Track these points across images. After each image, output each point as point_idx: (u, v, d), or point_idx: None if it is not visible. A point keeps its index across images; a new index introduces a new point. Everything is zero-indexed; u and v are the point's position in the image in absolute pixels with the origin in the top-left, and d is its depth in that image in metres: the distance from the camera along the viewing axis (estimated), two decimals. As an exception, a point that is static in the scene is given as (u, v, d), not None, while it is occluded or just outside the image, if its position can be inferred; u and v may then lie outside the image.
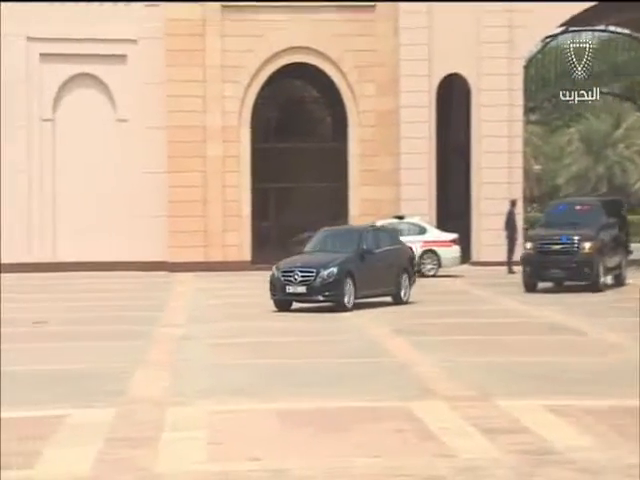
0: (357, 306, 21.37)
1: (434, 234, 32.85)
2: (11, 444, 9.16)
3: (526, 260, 26.01)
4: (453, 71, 36.44)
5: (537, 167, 67.58)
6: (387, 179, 36.41)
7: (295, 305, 21.69)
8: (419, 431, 9.45)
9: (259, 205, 37.20)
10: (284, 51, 36.74)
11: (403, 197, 36.00)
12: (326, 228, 24.30)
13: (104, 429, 9.80)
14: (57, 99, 36.48)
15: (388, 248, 22.78)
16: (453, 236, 32.73)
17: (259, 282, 24.50)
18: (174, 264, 34.91)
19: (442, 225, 34.49)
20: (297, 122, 38.52)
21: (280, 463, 8.27)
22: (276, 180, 37.04)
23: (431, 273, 31.79)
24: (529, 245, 26.34)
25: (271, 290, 21.37)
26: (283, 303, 21.33)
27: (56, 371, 13.90)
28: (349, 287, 21.08)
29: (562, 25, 38.62)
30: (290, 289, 21.02)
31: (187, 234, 35.54)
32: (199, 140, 36.09)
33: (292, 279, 20.94)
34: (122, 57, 36.43)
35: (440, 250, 32.12)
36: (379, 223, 32.82)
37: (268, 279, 21.77)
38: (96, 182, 35.96)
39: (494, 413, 10.33)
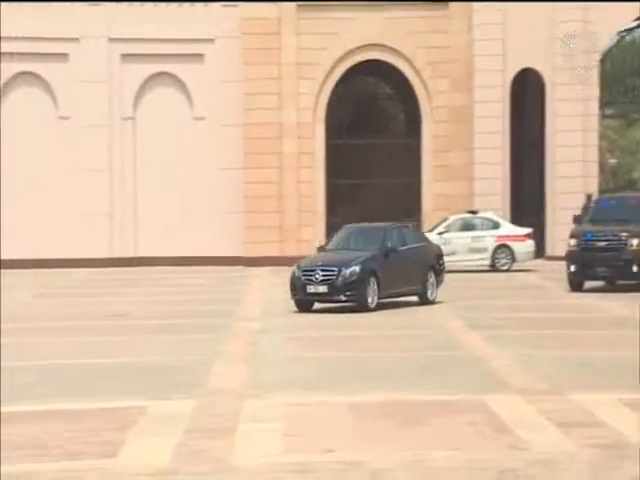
0: (383, 306, 20.30)
1: (508, 229, 32.53)
2: (94, 434, 9.29)
3: (570, 258, 24.16)
4: (527, 66, 36.05)
5: (612, 161, 66.50)
6: (460, 174, 36.16)
7: (317, 305, 20.59)
8: (494, 424, 9.36)
9: (333, 201, 37.19)
10: (358, 48, 36.68)
11: (476, 192, 35.73)
12: (349, 225, 23.18)
13: (183, 420, 9.86)
14: (137, 98, 36.90)
15: (413, 246, 21.78)
16: (527, 230, 32.38)
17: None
18: (250, 259, 35.08)
19: (516, 220, 34.16)
20: (371, 119, 38.41)
21: (355, 455, 8.24)
22: (350, 176, 37.00)
23: (505, 268, 31.49)
24: (573, 242, 24.44)
25: (292, 290, 20.23)
26: (304, 303, 20.24)
27: (137, 363, 14.04)
28: (372, 286, 20.03)
29: (637, 19, 37.94)
30: (311, 289, 19.94)
31: (263, 229, 35.67)
32: (275, 137, 36.20)
33: (313, 278, 19.92)
34: (199, 56, 36.68)
35: (514, 245, 31.79)
36: (452, 218, 32.74)
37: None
38: (174, 179, 36.27)
39: (569, 407, 10.20)
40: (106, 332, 17.77)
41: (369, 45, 36.63)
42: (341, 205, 37.37)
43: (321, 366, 13.47)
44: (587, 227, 24.90)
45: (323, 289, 19.86)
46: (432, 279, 21.57)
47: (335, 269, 19.90)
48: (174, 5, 36.39)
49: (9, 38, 35.20)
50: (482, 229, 32.06)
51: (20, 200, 35.64)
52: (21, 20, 35.03)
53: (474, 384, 11.70)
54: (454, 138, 36.30)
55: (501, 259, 31.75)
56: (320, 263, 20.42)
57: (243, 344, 16.24)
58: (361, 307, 19.84)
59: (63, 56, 36.20)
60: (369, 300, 19.95)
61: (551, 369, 12.72)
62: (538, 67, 36.07)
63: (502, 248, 31.79)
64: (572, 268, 24.05)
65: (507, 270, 31.30)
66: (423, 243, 22.61)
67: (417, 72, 36.65)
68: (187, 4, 36.41)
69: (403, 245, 21.43)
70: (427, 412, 10.10)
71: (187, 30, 35.94)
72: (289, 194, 36.37)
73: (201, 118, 36.68)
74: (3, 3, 34.55)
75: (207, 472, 7.85)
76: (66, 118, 36.19)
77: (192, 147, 36.36)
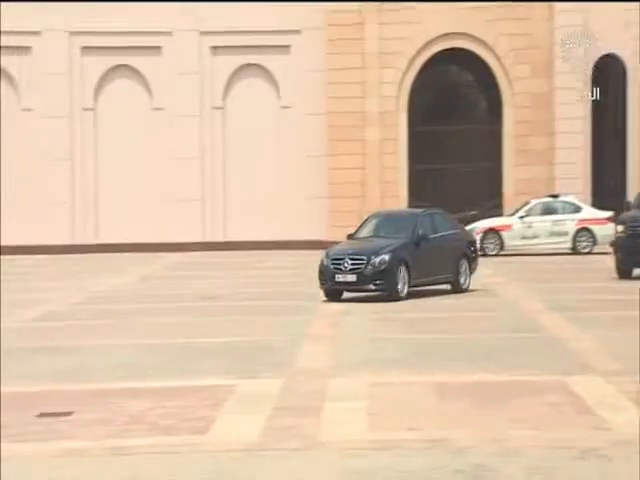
0: (415, 294, 19.22)
1: (589, 212, 32.04)
2: (187, 411, 9.40)
3: (617, 245, 22.94)
4: (608, 52, 35.36)
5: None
6: (541, 159, 35.70)
7: (345, 295, 19.58)
8: (576, 405, 9.23)
9: (416, 186, 37.01)
10: (440, 37, 36.41)
11: (557, 176, 35.27)
12: (380, 212, 22.29)
13: (271, 399, 9.91)
14: (227, 88, 37.15)
15: (445, 233, 20.51)
16: (608, 214, 31.78)
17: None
18: (334, 243, 35.02)
19: (597, 203, 33.61)
20: (453, 105, 38.11)
21: (438, 433, 8.20)
22: (432, 161, 36.80)
23: (586, 250, 31.05)
24: (620, 228, 23.27)
25: (320, 279, 19.16)
26: (333, 292, 19.20)
27: (227, 343, 14.17)
28: (403, 275, 18.88)
29: None
30: (340, 277, 18.82)
31: (346, 214, 35.53)
32: (358, 124, 36.14)
33: (342, 267, 18.79)
34: (286, 47, 36.78)
35: (595, 228, 31.30)
36: (534, 202, 32.33)
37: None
38: (261, 166, 36.49)
39: (651, 388, 9.99)
40: (199, 313, 17.95)
41: (451, 34, 36.33)
42: (423, 190, 37.15)
43: (404, 347, 13.42)
44: (636, 213, 23.51)
45: (352, 278, 18.76)
46: (465, 267, 20.40)
47: (364, 257, 18.82)
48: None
49: (107, 33, 35.77)
50: (563, 213, 31.61)
51: (118, 187, 36.29)
52: (114, 16, 35.53)
53: (555, 365, 11.54)
54: (535, 123, 35.84)
55: (582, 242, 31.30)
56: (350, 251, 19.30)
57: (328, 325, 16.27)
58: (391, 296, 18.73)
59: (156, 49, 36.61)
60: (399, 289, 18.85)
61: (632, 350, 12.47)
62: (619, 53, 35.36)
63: (583, 231, 31.35)
64: (619, 255, 22.86)
65: (588, 253, 30.84)
66: (456, 230, 21.28)
67: (498, 59, 36.24)
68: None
69: (435, 232, 20.22)
70: (509, 392, 10.00)
71: (274, 22, 36.06)
72: (372, 180, 36.29)
73: (287, 107, 36.81)
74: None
75: (295, 448, 7.88)
76: (160, 109, 36.62)
77: (278, 135, 36.53)
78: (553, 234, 31.47)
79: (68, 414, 9.36)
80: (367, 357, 12.63)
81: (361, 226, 21.02)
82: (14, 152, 35.84)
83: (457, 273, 20.21)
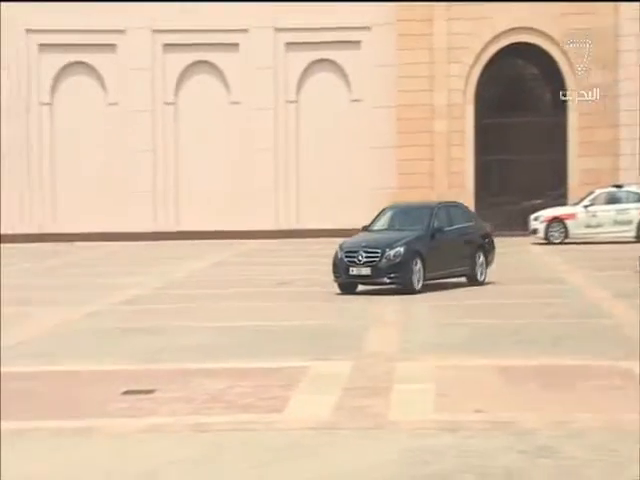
0: (430, 287, 18.32)
1: (653, 201, 31.49)
2: (263, 390, 9.47)
3: None
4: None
5: None
6: (606, 150, 35.17)
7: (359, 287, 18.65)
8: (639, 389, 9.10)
9: (482, 176, 36.73)
10: (506, 32, 36.03)
11: (622, 167, 34.70)
12: (394, 205, 21.17)
13: (342, 380, 9.94)
14: (300, 83, 37.23)
15: (461, 225, 19.48)
16: (672, 203, 31.24)
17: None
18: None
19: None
20: (519, 98, 37.68)
21: (504, 415, 8.15)
22: (498, 153, 36.45)
23: (649, 239, 30.56)
24: None
25: (334, 272, 18.25)
26: (347, 286, 18.20)
27: (300, 327, 14.23)
28: (417, 268, 17.83)
29: None
30: (354, 271, 17.84)
31: (415, 204, 35.59)
32: (426, 117, 35.97)
33: (356, 260, 17.80)
34: (357, 43, 36.73)
35: (659, 217, 30.77)
36: (598, 192, 31.85)
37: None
38: (333, 157, 36.52)
39: None
40: (272, 298, 18.06)
41: (517, 28, 35.94)
42: (490, 180, 36.87)
43: (469, 331, 13.35)
44: None
45: (366, 271, 17.75)
46: (481, 259, 19.32)
47: (379, 250, 17.79)
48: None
49: (188, 30, 36.10)
50: (627, 202, 31.07)
51: (198, 177, 36.63)
52: (194, 14, 35.85)
53: (620, 350, 11.37)
54: (600, 115, 35.28)
55: (646, 231, 30.80)
56: (364, 244, 18.21)
57: (396, 311, 16.24)
58: (406, 289, 17.75)
59: (234, 46, 36.83)
60: (414, 282, 17.80)
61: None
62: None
63: (647, 220, 30.83)
64: None
65: (652, 241, 30.33)
66: (471, 222, 20.09)
67: (564, 53, 35.72)
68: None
69: (450, 225, 19.19)
70: (573, 376, 9.90)
71: (346, 19, 36.03)
72: (439, 170, 36.11)
73: (357, 100, 36.79)
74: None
75: (366, 427, 7.90)
76: (237, 103, 36.86)
77: (349, 127, 36.52)
78: (617, 223, 31.00)
79: (151, 392, 9.50)
80: (434, 341, 12.59)
81: (376, 218, 19.90)
82: (100, 144, 36.39)
83: (473, 266, 19.15)
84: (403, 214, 19.87)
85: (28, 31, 36.12)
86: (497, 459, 6.82)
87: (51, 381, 10.27)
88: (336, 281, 18.24)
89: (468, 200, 35.78)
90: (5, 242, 33.40)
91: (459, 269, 19.13)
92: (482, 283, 19.15)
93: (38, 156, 36.58)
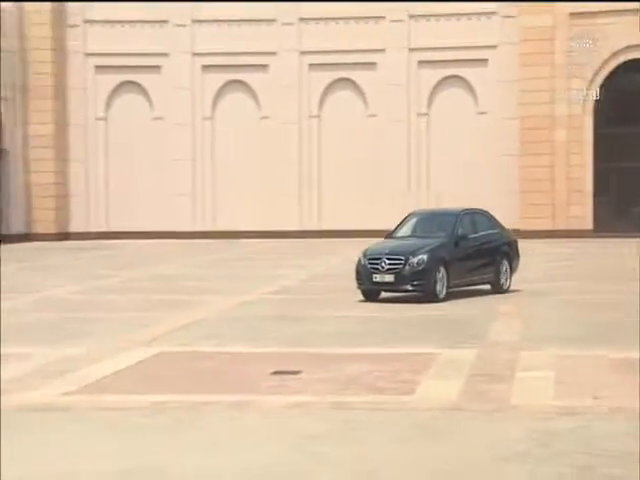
0: (451, 295, 16.29)
1: None
2: (396, 374, 9.45)
3: None
4: None
5: None
6: None
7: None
8: None
9: (600, 182, 35.70)
10: (624, 49, 34.92)
11: None
12: (418, 211, 19.24)
13: (468, 366, 9.84)
14: (431, 97, 37.01)
15: (486, 233, 17.44)
16: None
17: (604, 249, 23.33)
18: (526, 232, 34.39)
19: None
20: (636, 110, 36.40)
21: (620, 402, 7.91)
22: (615, 160, 35.35)
23: None
24: None
25: (357, 279, 16.28)
26: (371, 293, 16.24)
27: (430, 317, 14.15)
28: (441, 275, 15.92)
29: None
30: (377, 278, 15.91)
31: (536, 207, 35.04)
32: (547, 127, 35.26)
33: (379, 267, 15.88)
34: (484, 61, 36.27)
35: None
36: None
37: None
38: (461, 164, 36.17)
39: None
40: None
41: (634, 45, 34.76)
42: (607, 186, 35.81)
43: (588, 326, 12.98)
44: None
45: (390, 278, 15.84)
46: (505, 267, 17.32)
47: (402, 257, 15.88)
48: (464, 18, 36.19)
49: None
50: None
51: (337, 181, 36.90)
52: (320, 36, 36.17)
53: None
54: None
55: None
56: (387, 251, 16.26)
57: (519, 305, 15.93)
58: (428, 297, 15.78)
59: (372, 65, 36.91)
60: (437, 290, 15.87)
61: None
62: None
63: None
64: None
65: None
66: (496, 230, 17.96)
67: (682, 68, 34.42)
68: (474, 18, 36.17)
69: (475, 232, 17.19)
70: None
71: (474, 39, 35.70)
72: (559, 176, 35.35)
73: (483, 113, 36.35)
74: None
75: (489, 410, 7.80)
76: (374, 115, 36.93)
77: (475, 137, 36.12)
78: None
79: (297, 373, 9.61)
80: (554, 333, 12.29)
81: (400, 225, 17.81)
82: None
83: (498, 273, 17.13)
84: (427, 221, 17.86)
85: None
86: (615, 442, 6.62)
87: (214, 360, 10.52)
88: (359, 288, 16.30)
89: (586, 204, 35.11)
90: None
91: (483, 277, 17.12)
92: (506, 291, 17.18)
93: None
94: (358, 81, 37.09)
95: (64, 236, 36.39)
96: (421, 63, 36.62)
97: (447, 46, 35.90)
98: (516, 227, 34.26)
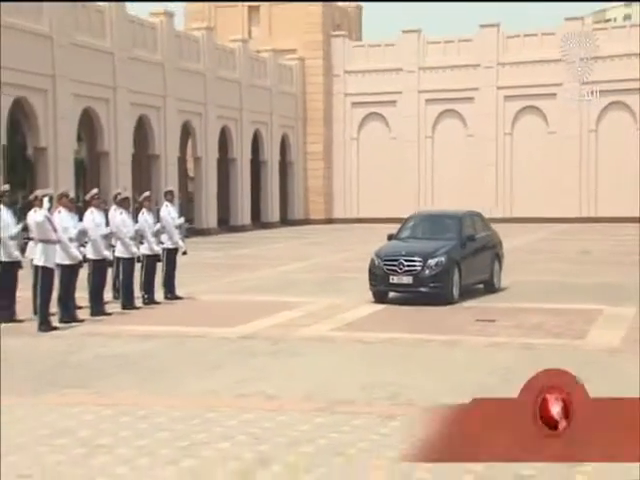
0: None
1: None
2: (570, 324, 9.01)
3: None
4: None
5: None
6: None
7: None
8: None
9: None
10: None
11: None
12: (419, 213, 14.78)
13: (628, 320, 9.20)
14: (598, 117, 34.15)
15: (484, 234, 13.15)
16: None
17: None
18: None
19: None
20: None
21: None
22: None
23: None
24: None
25: (371, 280, 11.80)
26: (382, 294, 11.78)
27: (593, 283, 13.16)
28: (456, 277, 11.73)
29: None
30: (394, 279, 11.52)
31: None
32: None
33: (397, 269, 11.53)
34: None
35: None
36: None
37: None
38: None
39: None
40: (577, 262, 16.94)
41: None
42: None
43: None
44: None
45: (407, 280, 11.47)
46: (497, 267, 13.21)
47: (420, 259, 11.55)
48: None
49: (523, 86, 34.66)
50: None
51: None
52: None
53: None
54: None
55: None
56: (404, 252, 11.78)
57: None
58: (444, 299, 11.39)
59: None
60: (454, 291, 11.62)
61: None
62: None
63: None
64: None
65: None
66: (490, 231, 13.61)
67: None
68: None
69: (475, 233, 12.82)
70: None
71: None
72: None
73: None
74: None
75: (644, 354, 7.24)
76: (552, 133, 34.77)
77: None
78: None
79: (493, 321, 9.43)
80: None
81: (403, 226, 13.20)
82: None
83: (491, 273, 13.01)
84: (429, 223, 13.26)
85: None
86: None
87: (429, 312, 10.49)
88: (372, 289, 11.85)
89: None
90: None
91: (482, 277, 12.87)
92: (498, 290, 12.93)
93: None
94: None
95: (329, 221, 37.92)
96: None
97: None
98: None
